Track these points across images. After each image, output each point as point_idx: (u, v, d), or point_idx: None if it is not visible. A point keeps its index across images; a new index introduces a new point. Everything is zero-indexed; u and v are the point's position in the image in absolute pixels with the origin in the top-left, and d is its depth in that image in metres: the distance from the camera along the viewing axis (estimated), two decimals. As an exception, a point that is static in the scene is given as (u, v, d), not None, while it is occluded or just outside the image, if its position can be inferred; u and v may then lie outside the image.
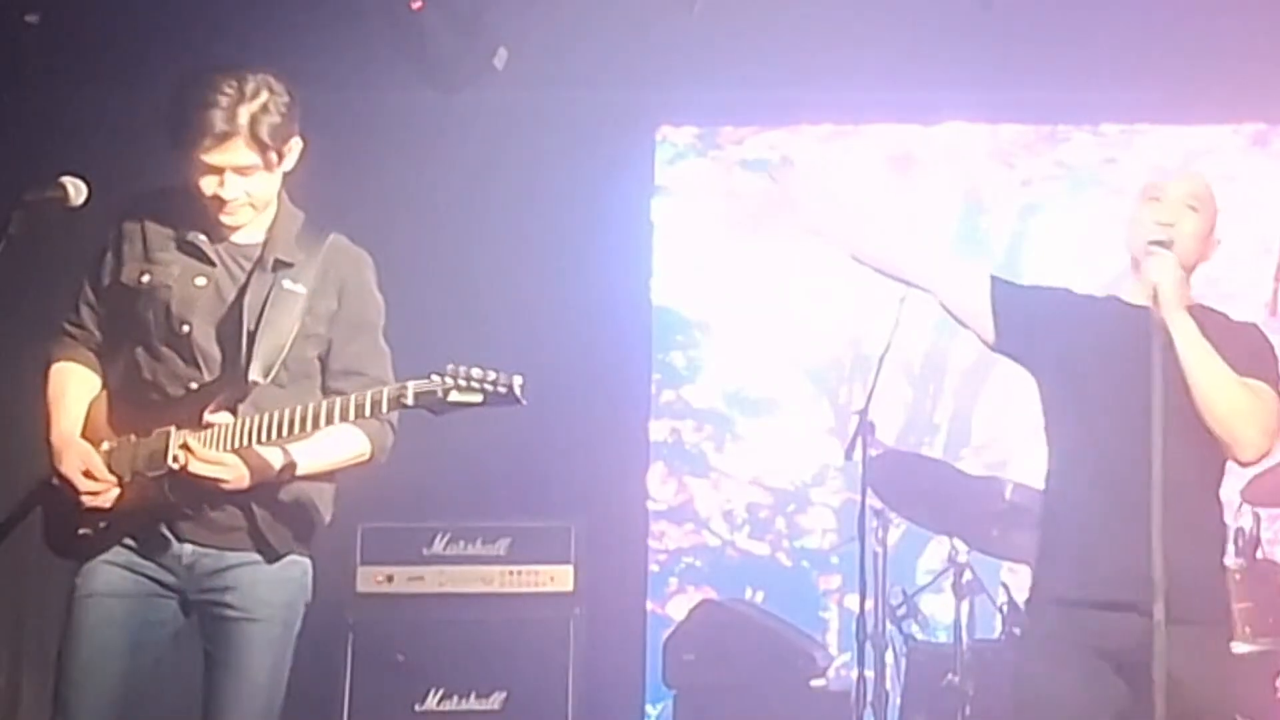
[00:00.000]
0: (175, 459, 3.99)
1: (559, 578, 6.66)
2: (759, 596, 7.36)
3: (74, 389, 4.22)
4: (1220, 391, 4.00)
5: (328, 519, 4.30)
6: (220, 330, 4.11)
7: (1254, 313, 6.83)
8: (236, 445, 3.98)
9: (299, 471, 4.11)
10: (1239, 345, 4.12)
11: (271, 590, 4.12)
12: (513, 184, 7.19)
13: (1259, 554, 5.91)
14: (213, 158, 4.00)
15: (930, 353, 7.56)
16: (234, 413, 4.03)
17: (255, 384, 4.04)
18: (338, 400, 3.96)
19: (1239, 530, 5.94)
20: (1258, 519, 5.95)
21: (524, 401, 3.88)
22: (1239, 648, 5.81)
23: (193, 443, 3.97)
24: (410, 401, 3.90)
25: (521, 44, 6.75)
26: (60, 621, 4.18)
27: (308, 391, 4.14)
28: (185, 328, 4.09)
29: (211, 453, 3.97)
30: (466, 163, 7.15)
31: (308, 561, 4.23)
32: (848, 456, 6.23)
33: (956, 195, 7.66)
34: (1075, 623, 3.99)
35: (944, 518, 6.21)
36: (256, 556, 4.11)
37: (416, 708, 6.49)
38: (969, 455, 7.53)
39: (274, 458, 4.05)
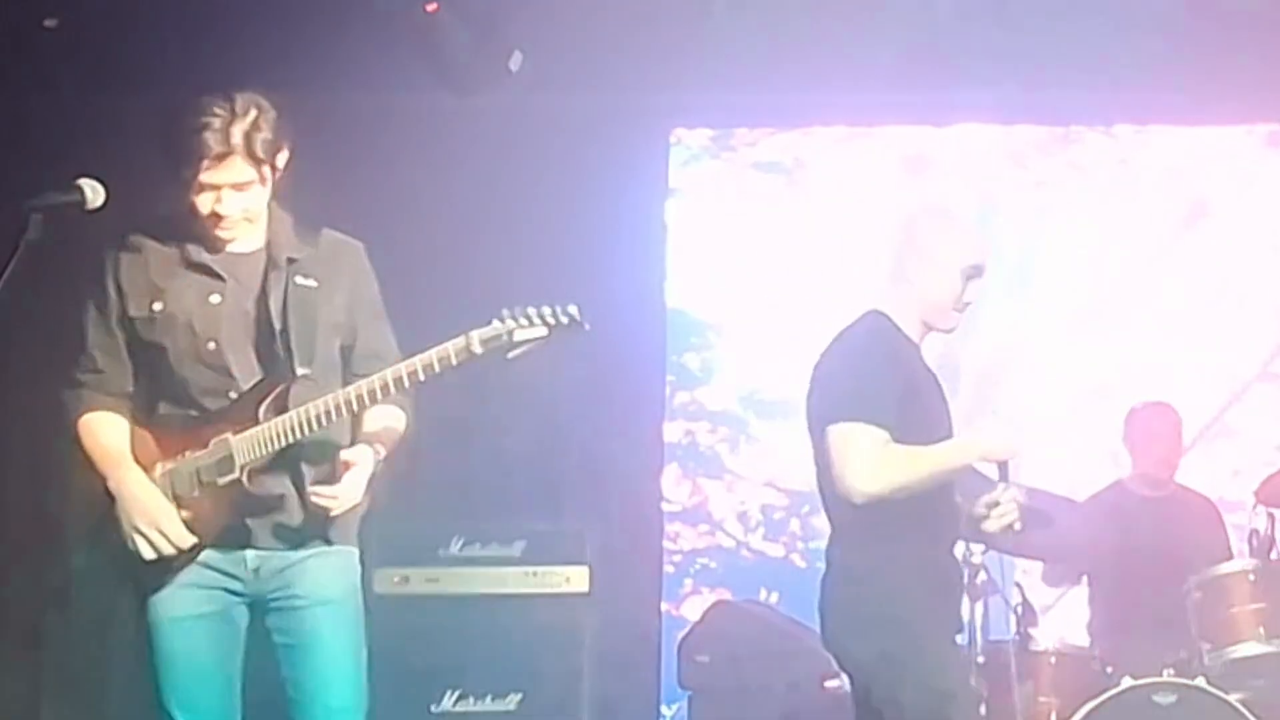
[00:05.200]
0: (246, 474, 4.12)
1: (574, 579, 6.66)
2: (773, 598, 7.36)
3: (110, 435, 4.26)
4: None
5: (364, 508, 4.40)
6: (256, 336, 4.20)
7: (1264, 314, 6.91)
8: (297, 435, 4.10)
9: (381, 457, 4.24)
10: None
11: (336, 575, 4.31)
12: (527, 186, 7.20)
13: (1273, 554, 5.90)
14: (211, 177, 4.09)
15: (944, 356, 7.54)
16: (284, 408, 4.14)
17: (302, 377, 4.15)
18: (404, 365, 4.08)
19: (1253, 531, 5.94)
20: (1272, 519, 5.93)
21: (587, 327, 4.01)
22: (1254, 649, 5.82)
23: (322, 489, 4.13)
24: (478, 349, 4.04)
25: (536, 47, 6.77)
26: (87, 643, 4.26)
27: (335, 383, 4.23)
28: (211, 344, 4.18)
29: (328, 489, 4.13)
30: (481, 165, 7.16)
31: (356, 551, 4.40)
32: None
33: (970, 197, 7.65)
34: None
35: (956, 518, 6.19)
36: (320, 548, 4.26)
37: (433, 709, 6.50)
38: (983, 457, 7.51)
39: (369, 457, 4.18)
